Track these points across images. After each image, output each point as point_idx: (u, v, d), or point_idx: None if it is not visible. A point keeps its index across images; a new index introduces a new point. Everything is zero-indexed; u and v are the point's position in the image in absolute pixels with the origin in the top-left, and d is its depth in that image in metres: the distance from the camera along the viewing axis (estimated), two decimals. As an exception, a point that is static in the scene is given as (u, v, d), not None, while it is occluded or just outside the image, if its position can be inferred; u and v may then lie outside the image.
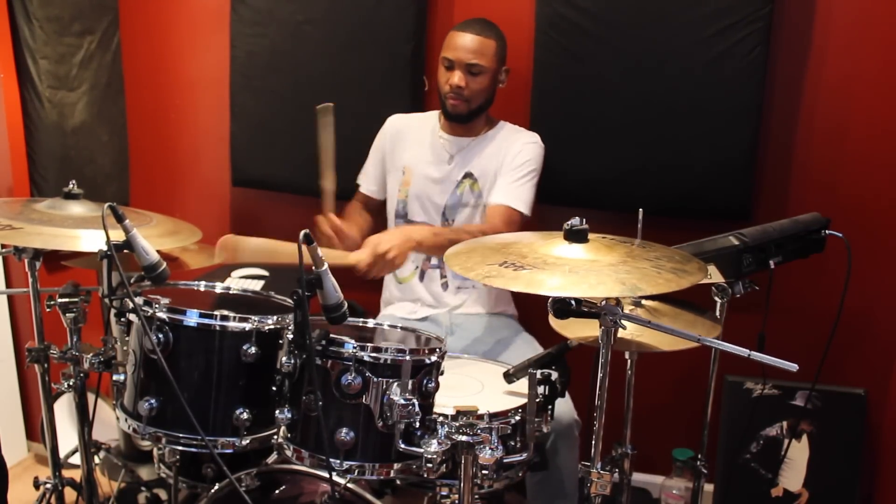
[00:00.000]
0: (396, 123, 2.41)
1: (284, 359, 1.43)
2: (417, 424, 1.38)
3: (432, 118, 2.39)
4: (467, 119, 2.25)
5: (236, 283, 2.49)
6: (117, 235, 1.43)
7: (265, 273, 2.59)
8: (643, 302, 1.81)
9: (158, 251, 1.49)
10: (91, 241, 1.62)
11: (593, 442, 1.48)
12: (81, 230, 1.66)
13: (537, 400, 1.48)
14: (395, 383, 1.37)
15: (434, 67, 2.55)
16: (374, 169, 2.43)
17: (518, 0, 2.47)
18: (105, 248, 1.43)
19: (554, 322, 1.67)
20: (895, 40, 2.24)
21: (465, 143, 2.30)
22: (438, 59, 2.25)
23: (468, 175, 2.29)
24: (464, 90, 2.17)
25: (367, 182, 2.44)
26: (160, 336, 1.45)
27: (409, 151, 2.34)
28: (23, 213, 1.73)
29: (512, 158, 2.24)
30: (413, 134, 2.37)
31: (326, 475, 1.36)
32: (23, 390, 2.76)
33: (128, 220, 1.42)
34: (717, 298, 1.86)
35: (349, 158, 2.59)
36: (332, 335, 1.37)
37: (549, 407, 1.56)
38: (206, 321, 1.47)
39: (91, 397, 1.77)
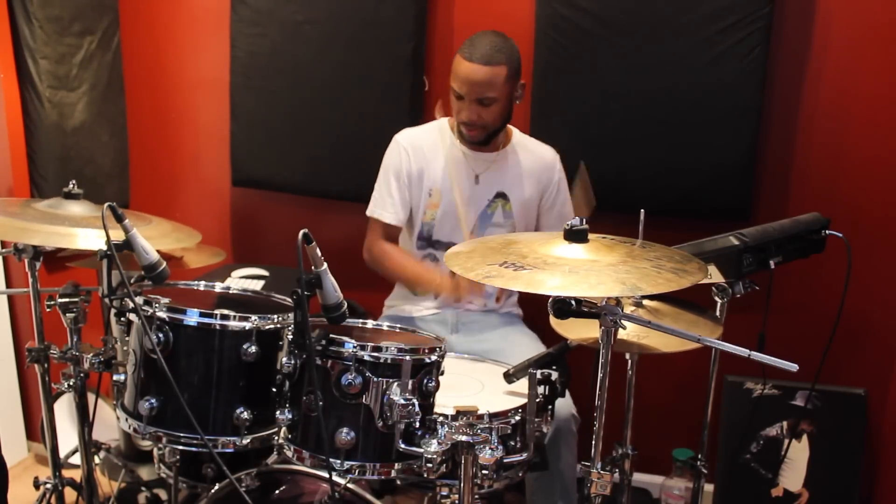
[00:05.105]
0: (411, 140, 2.23)
1: (285, 359, 1.43)
2: (417, 424, 1.38)
3: (442, 129, 2.25)
4: (486, 142, 2.18)
5: (236, 282, 2.49)
6: (117, 235, 1.44)
7: (265, 273, 2.59)
8: (644, 302, 1.81)
9: (158, 251, 1.49)
10: (90, 239, 1.62)
11: (593, 442, 1.47)
12: (80, 229, 1.66)
13: (537, 400, 1.48)
14: (395, 383, 1.37)
15: (434, 67, 2.56)
16: (399, 194, 2.20)
17: (518, 0, 2.47)
18: (105, 247, 1.43)
19: (554, 322, 1.67)
20: (895, 40, 2.24)
21: (490, 159, 2.20)
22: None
23: (500, 195, 2.21)
24: (477, 122, 2.09)
25: (395, 210, 2.20)
26: (160, 336, 1.45)
27: (435, 170, 2.20)
28: (22, 212, 1.72)
29: (558, 192, 2.27)
30: (431, 151, 2.21)
31: (326, 475, 1.36)
32: (23, 390, 2.76)
33: (127, 220, 1.42)
34: (717, 298, 1.86)
35: (349, 159, 2.60)
36: (332, 335, 1.37)
37: (549, 407, 1.56)
38: (207, 320, 1.47)
39: (91, 397, 1.77)
